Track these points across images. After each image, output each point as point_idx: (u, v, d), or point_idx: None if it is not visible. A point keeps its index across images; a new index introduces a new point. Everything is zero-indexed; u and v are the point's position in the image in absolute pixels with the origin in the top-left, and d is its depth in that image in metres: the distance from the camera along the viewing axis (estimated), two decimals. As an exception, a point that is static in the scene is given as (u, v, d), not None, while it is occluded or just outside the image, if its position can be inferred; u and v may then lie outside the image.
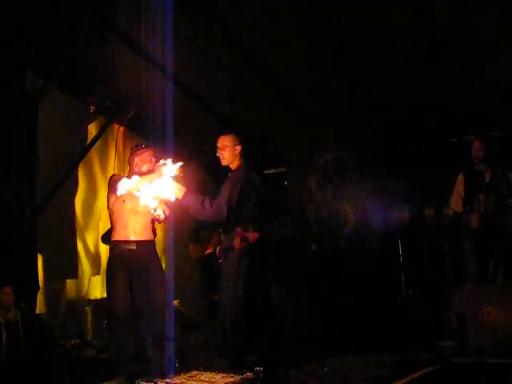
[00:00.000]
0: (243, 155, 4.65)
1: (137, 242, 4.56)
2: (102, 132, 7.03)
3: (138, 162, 4.70)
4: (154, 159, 4.69)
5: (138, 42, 6.02)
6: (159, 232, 5.44)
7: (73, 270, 6.70)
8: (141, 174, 4.55)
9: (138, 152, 4.75)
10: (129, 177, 4.63)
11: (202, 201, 4.30)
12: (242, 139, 4.67)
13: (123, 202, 4.57)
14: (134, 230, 4.57)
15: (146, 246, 4.63)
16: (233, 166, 4.63)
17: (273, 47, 6.14)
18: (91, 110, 7.05)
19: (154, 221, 4.69)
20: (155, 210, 4.37)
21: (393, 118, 7.45)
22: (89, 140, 6.97)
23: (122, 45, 5.95)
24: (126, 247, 4.54)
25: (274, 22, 5.69)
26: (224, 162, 4.66)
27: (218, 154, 4.64)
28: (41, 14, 5.30)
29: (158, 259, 4.76)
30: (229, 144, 4.61)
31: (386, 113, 7.49)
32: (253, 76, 6.68)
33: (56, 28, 5.53)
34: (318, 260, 6.75)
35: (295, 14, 5.62)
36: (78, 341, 6.47)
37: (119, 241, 4.56)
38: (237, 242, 4.40)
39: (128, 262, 4.50)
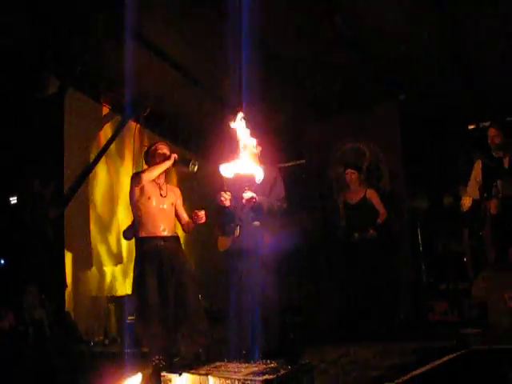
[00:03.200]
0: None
1: (164, 238, 4.66)
2: (119, 130, 7.10)
3: (153, 156, 4.81)
4: (167, 152, 4.82)
5: (151, 39, 6.09)
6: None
7: (88, 261, 6.81)
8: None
9: (148, 152, 4.90)
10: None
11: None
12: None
13: (148, 198, 4.67)
14: (160, 226, 4.67)
15: (173, 242, 4.73)
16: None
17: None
18: (107, 109, 7.13)
19: (192, 221, 4.80)
20: (197, 215, 4.62)
21: (409, 106, 7.45)
22: (107, 139, 7.03)
23: (136, 43, 6.00)
24: (154, 243, 4.63)
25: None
26: None
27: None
28: (55, 16, 5.37)
29: (184, 254, 4.88)
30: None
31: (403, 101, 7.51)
32: (276, 71, 6.72)
33: (71, 29, 5.60)
34: (345, 250, 6.78)
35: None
36: (102, 337, 6.57)
37: (147, 237, 4.65)
38: (268, 235, 4.54)
39: (157, 258, 4.59)
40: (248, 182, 4.35)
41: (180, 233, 5.06)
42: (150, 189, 4.73)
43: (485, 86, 7.05)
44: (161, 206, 4.72)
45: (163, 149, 4.85)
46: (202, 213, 4.69)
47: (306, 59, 6.69)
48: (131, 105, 7.03)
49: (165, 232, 4.67)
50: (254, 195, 4.40)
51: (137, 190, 4.68)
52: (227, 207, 4.59)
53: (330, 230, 7.25)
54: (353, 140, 7.92)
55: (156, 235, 4.64)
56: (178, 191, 5.01)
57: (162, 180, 4.84)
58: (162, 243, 4.63)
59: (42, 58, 5.70)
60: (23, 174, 5.60)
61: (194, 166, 4.73)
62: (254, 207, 4.47)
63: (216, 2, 5.42)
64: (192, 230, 5.01)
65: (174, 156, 4.75)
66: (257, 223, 4.60)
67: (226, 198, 4.53)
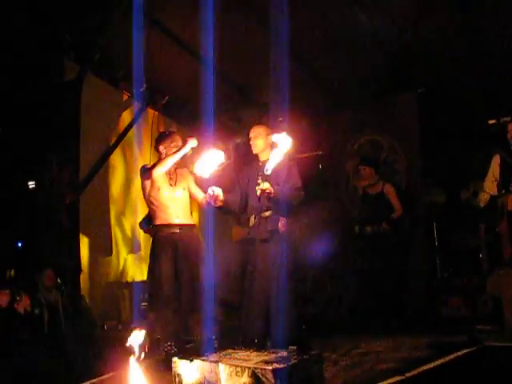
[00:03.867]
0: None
1: (179, 226, 4.66)
2: (138, 117, 7.12)
3: (168, 146, 4.78)
4: (180, 143, 4.78)
5: (171, 27, 6.08)
6: (196, 216, 5.55)
7: (108, 248, 6.87)
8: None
9: (164, 138, 4.86)
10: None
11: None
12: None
13: (158, 190, 4.66)
14: (175, 215, 4.67)
15: (188, 230, 4.74)
16: (264, 156, 4.73)
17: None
18: (126, 96, 7.16)
19: (204, 204, 4.75)
20: (211, 195, 4.45)
21: (428, 99, 7.39)
22: (125, 125, 7.06)
23: (156, 31, 6.01)
24: (169, 231, 4.65)
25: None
26: (256, 150, 4.80)
27: (251, 143, 4.76)
28: (74, 2, 5.39)
29: (200, 242, 4.86)
30: (262, 133, 4.76)
31: (422, 94, 7.46)
32: (291, 62, 6.67)
33: (90, 15, 5.61)
34: (359, 242, 6.79)
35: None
36: (115, 322, 6.63)
37: (162, 225, 4.66)
38: (282, 225, 4.52)
39: (172, 245, 4.61)
40: (261, 170, 4.33)
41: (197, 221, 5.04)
42: (159, 179, 4.69)
43: (507, 81, 6.96)
44: (172, 195, 4.71)
45: (179, 141, 4.82)
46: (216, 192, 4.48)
47: (325, 51, 6.65)
48: (149, 92, 7.06)
49: (179, 220, 4.68)
50: (270, 187, 4.35)
51: (147, 183, 4.68)
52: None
53: (345, 222, 7.24)
54: (371, 132, 7.88)
55: (171, 223, 4.65)
56: (187, 173, 4.89)
57: (171, 168, 4.75)
58: (178, 231, 4.65)
59: (61, 43, 5.72)
60: (41, 159, 5.65)
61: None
62: (270, 198, 4.44)
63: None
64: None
65: (192, 141, 4.62)
66: (268, 213, 4.58)
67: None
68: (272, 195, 4.39)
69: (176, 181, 4.78)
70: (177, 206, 4.70)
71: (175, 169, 4.80)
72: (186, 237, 4.68)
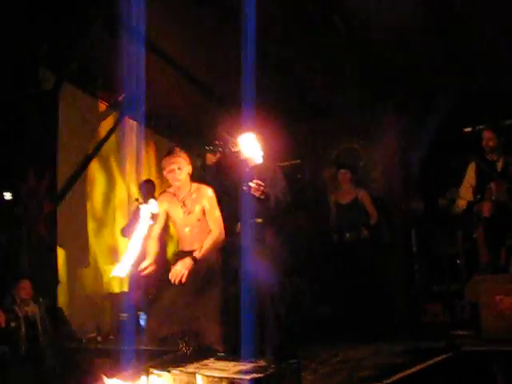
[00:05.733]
0: None
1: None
2: (115, 127, 7.10)
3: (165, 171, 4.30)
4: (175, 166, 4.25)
5: (148, 35, 6.08)
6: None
7: (84, 259, 6.82)
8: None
9: (164, 161, 4.32)
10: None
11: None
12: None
13: (174, 223, 4.35)
14: (195, 245, 4.19)
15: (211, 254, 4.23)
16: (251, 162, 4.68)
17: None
18: (104, 106, 7.13)
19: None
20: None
21: (405, 107, 7.46)
22: (103, 135, 7.03)
23: (133, 39, 6.00)
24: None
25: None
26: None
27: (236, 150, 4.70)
28: (50, 12, 5.37)
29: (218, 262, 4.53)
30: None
31: (398, 102, 7.52)
32: (271, 70, 6.68)
33: (67, 24, 5.60)
34: (338, 250, 6.83)
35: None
36: (95, 334, 6.56)
37: (182, 251, 4.26)
38: (270, 234, 4.49)
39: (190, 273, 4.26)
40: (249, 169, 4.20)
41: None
42: (172, 210, 4.24)
43: (482, 89, 7.06)
44: (189, 223, 4.21)
45: (170, 165, 4.19)
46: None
47: (303, 59, 6.70)
48: (128, 101, 7.04)
49: (197, 245, 4.16)
50: (261, 183, 4.15)
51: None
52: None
53: (323, 230, 7.27)
54: (348, 141, 7.94)
55: (191, 249, 4.17)
56: (206, 192, 4.24)
57: (184, 192, 4.24)
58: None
59: (38, 52, 5.69)
60: (18, 170, 5.61)
61: None
62: (263, 196, 4.21)
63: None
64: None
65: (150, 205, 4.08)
66: (260, 220, 4.46)
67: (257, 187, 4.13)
68: (264, 193, 4.15)
69: (190, 208, 4.20)
70: (195, 237, 4.23)
71: (189, 191, 4.23)
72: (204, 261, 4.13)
